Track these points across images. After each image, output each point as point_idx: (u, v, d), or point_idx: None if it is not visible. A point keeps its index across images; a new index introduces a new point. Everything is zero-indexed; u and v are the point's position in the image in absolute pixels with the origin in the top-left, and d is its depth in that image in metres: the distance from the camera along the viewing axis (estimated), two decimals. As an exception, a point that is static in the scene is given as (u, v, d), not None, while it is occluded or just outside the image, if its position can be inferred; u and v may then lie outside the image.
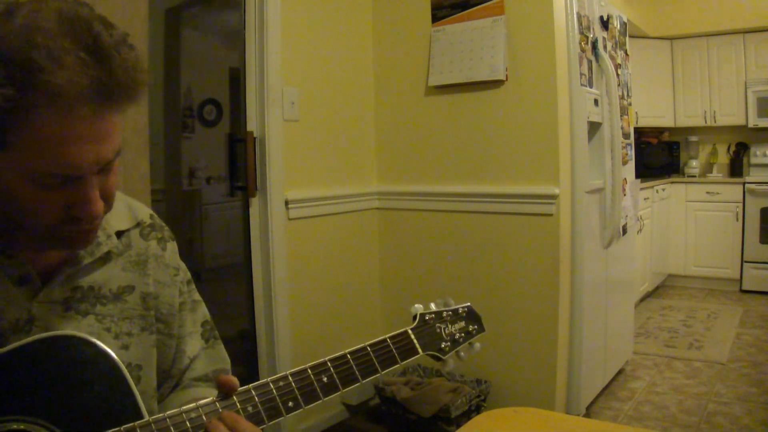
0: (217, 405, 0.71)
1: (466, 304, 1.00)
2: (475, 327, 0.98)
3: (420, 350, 0.90)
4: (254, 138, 2.32)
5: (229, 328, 2.50)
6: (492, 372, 2.49)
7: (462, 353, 0.95)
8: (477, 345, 0.97)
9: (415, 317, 0.93)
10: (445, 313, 0.96)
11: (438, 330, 0.93)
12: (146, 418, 0.67)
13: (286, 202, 2.37)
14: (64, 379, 0.66)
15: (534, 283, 2.41)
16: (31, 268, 0.75)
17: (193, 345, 0.95)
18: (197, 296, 0.98)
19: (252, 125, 2.32)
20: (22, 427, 0.62)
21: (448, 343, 0.94)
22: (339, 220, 2.64)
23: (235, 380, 0.73)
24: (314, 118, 2.51)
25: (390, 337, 0.87)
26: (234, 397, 0.72)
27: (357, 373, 0.81)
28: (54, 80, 0.61)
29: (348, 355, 0.81)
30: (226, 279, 2.75)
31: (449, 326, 0.95)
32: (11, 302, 0.73)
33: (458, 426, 1.81)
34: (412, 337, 0.90)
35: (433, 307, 0.96)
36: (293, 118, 2.40)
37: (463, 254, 2.58)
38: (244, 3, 2.31)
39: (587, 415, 2.60)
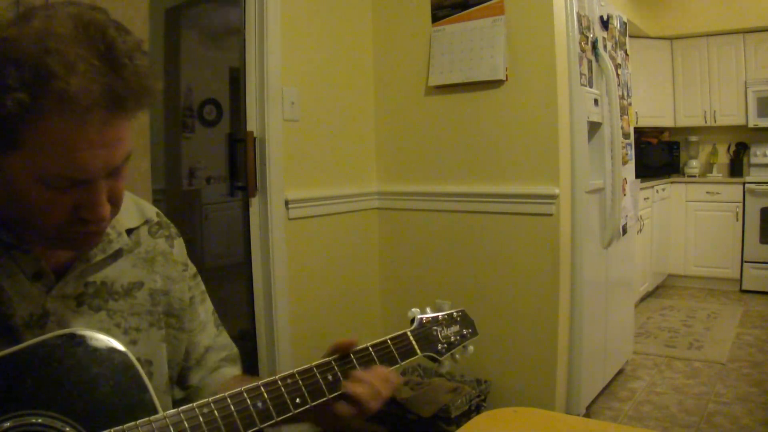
0: (228, 400, 0.71)
1: (460, 309, 1.04)
2: (469, 330, 1.02)
3: (419, 351, 0.93)
4: (254, 138, 2.32)
5: (229, 328, 2.48)
6: (492, 372, 2.49)
7: (457, 355, 0.99)
8: (471, 348, 1.02)
9: (413, 320, 0.96)
10: (441, 317, 0.99)
11: (435, 333, 0.97)
12: (161, 412, 0.69)
13: (286, 202, 2.38)
14: (80, 375, 0.68)
15: (534, 283, 2.41)
16: (45, 264, 0.76)
17: (209, 333, 0.99)
18: (203, 287, 1.00)
19: (252, 125, 2.32)
20: (40, 420, 0.64)
21: (445, 345, 0.97)
22: (339, 220, 2.64)
23: (348, 339, 0.81)
24: (314, 118, 2.51)
25: (390, 339, 0.90)
26: (244, 393, 0.73)
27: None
28: (66, 87, 0.61)
29: (351, 355, 0.84)
30: (226, 279, 2.74)
31: (445, 329, 0.98)
32: (26, 297, 0.74)
33: (458, 426, 1.81)
34: (411, 338, 0.93)
35: (429, 311, 0.99)
36: (293, 118, 2.40)
37: (463, 254, 2.58)
38: (244, 3, 2.31)
39: (587, 415, 2.60)
